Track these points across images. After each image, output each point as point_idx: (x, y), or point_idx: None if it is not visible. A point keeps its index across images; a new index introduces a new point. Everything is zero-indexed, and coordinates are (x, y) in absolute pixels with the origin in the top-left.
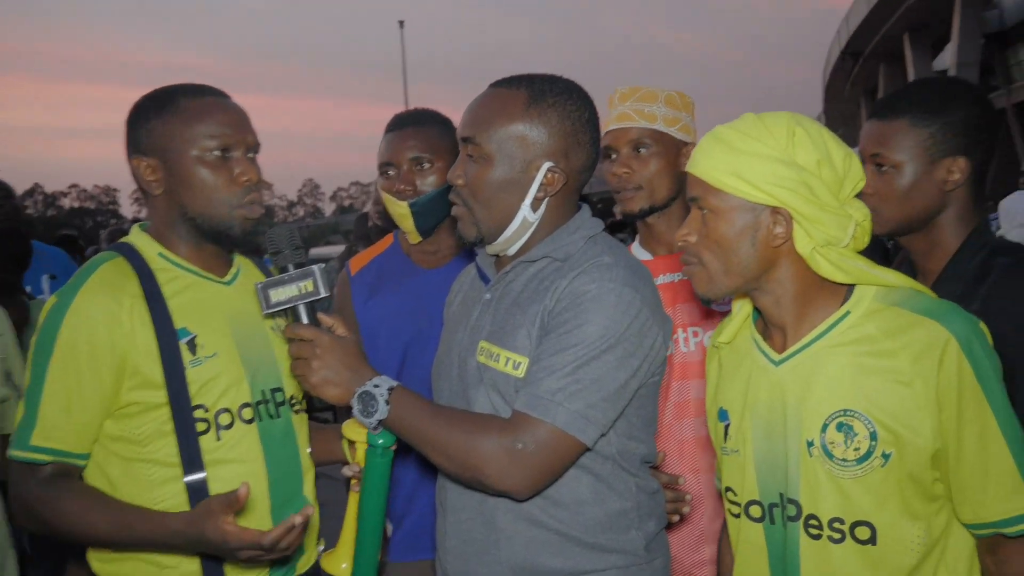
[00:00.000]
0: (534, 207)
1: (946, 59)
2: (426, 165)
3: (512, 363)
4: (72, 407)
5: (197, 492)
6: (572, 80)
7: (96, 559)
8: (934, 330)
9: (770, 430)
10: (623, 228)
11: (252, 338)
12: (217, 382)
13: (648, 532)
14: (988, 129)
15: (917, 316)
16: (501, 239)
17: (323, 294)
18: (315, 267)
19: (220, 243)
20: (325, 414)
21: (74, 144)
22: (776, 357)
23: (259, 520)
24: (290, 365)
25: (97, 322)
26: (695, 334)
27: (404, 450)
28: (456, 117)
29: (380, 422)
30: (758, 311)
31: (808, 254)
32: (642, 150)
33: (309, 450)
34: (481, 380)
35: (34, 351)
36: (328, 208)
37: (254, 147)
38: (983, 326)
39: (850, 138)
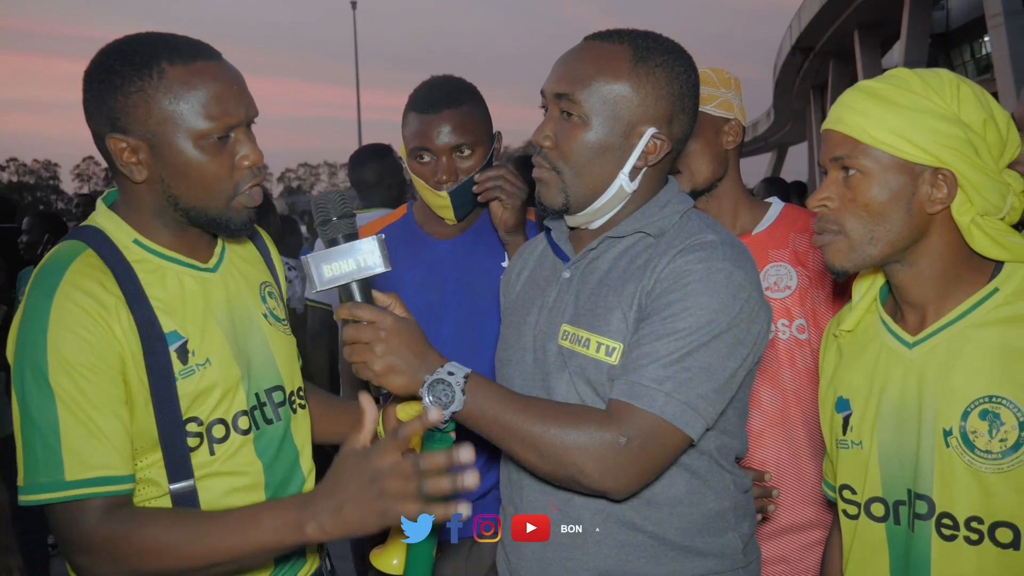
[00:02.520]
0: (631, 176)
1: (895, 57)
2: (466, 152)
3: (605, 348)
4: (97, 418)
5: (184, 502)
6: (674, 40)
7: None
8: None
9: (902, 419)
10: None
11: (245, 333)
12: (211, 393)
13: (744, 534)
14: None
15: None
16: (590, 209)
17: (385, 268)
18: (374, 237)
19: (214, 233)
20: None
21: (13, 117)
22: (910, 339)
23: None
24: (346, 351)
25: (88, 322)
26: None
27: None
28: (401, 103)
29: (454, 414)
30: (887, 290)
31: (966, 224)
32: None
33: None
34: (565, 366)
35: (24, 375)
36: (276, 189)
37: (254, 118)
38: None
39: (798, 133)
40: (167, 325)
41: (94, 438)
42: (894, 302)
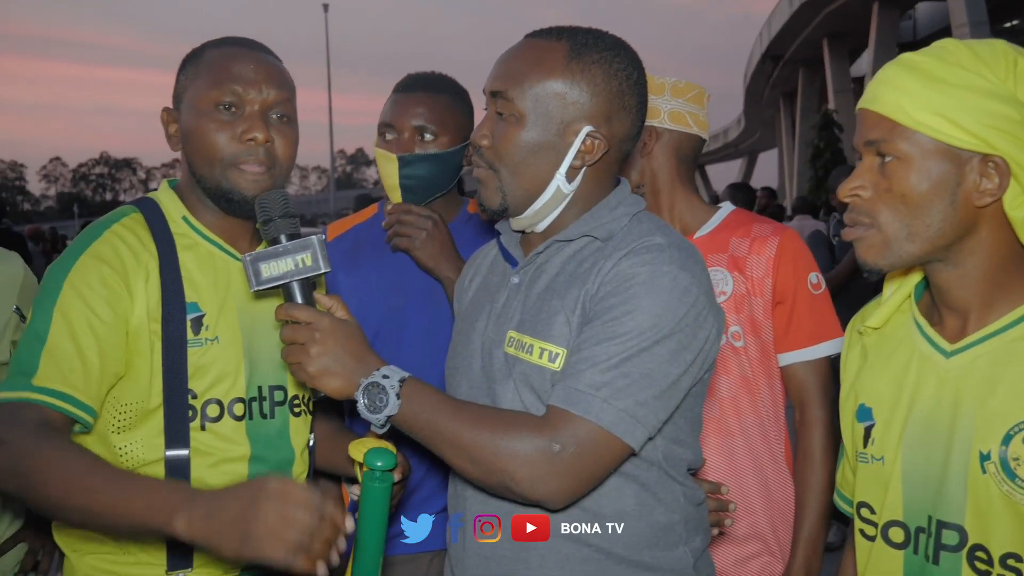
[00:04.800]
0: (569, 177)
1: (863, 65)
2: (428, 136)
3: (548, 354)
4: (82, 345)
5: (177, 472)
6: (619, 37)
7: (60, 527)
8: None
9: (930, 435)
10: None
11: (262, 328)
12: (210, 369)
13: (696, 548)
14: None
15: None
16: (530, 211)
17: (323, 269)
18: (314, 237)
19: (229, 210)
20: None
21: None
22: (948, 347)
23: None
24: (282, 352)
25: (111, 269)
26: None
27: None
28: (379, 107)
29: (389, 418)
30: (923, 288)
31: (1021, 220)
32: None
33: (310, 443)
34: (510, 374)
35: (38, 297)
36: None
37: (275, 105)
38: None
39: (768, 140)
40: (190, 296)
41: (75, 357)
42: (930, 301)
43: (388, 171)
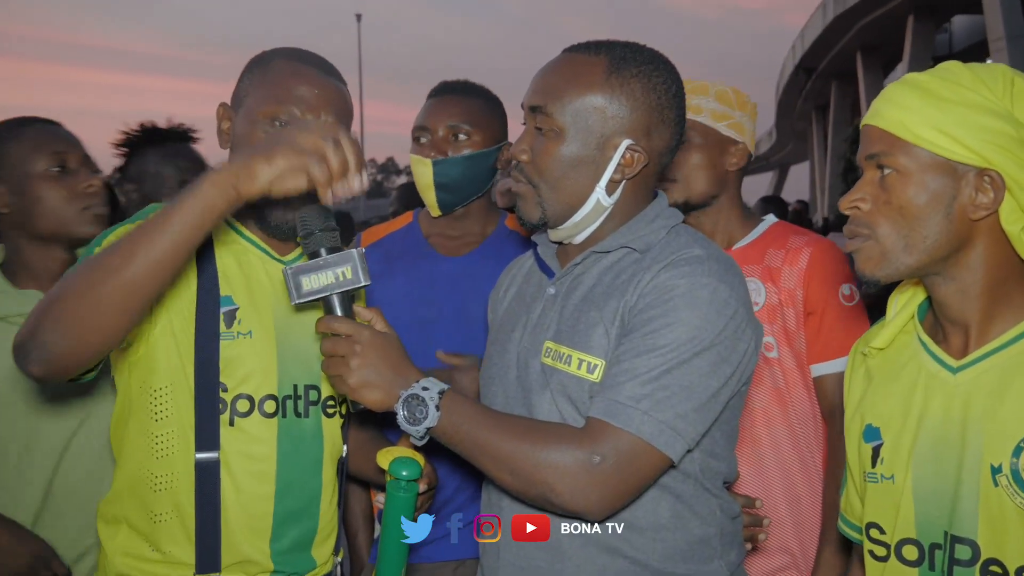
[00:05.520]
0: (609, 190)
1: (897, 79)
2: (462, 137)
3: (586, 365)
4: None
5: (207, 474)
6: (657, 50)
7: (101, 513)
8: None
9: (941, 452)
10: None
11: (297, 327)
12: (242, 363)
13: (731, 562)
14: None
15: None
16: (569, 224)
17: (363, 282)
18: (354, 251)
19: (260, 225)
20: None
21: None
22: (954, 363)
23: (257, 528)
24: (323, 364)
25: None
26: None
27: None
28: (410, 116)
29: (429, 430)
30: (925, 307)
31: (1016, 234)
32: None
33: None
34: (547, 384)
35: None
36: None
37: None
38: None
39: (800, 153)
40: (224, 290)
41: None
42: (934, 319)
43: (421, 171)
